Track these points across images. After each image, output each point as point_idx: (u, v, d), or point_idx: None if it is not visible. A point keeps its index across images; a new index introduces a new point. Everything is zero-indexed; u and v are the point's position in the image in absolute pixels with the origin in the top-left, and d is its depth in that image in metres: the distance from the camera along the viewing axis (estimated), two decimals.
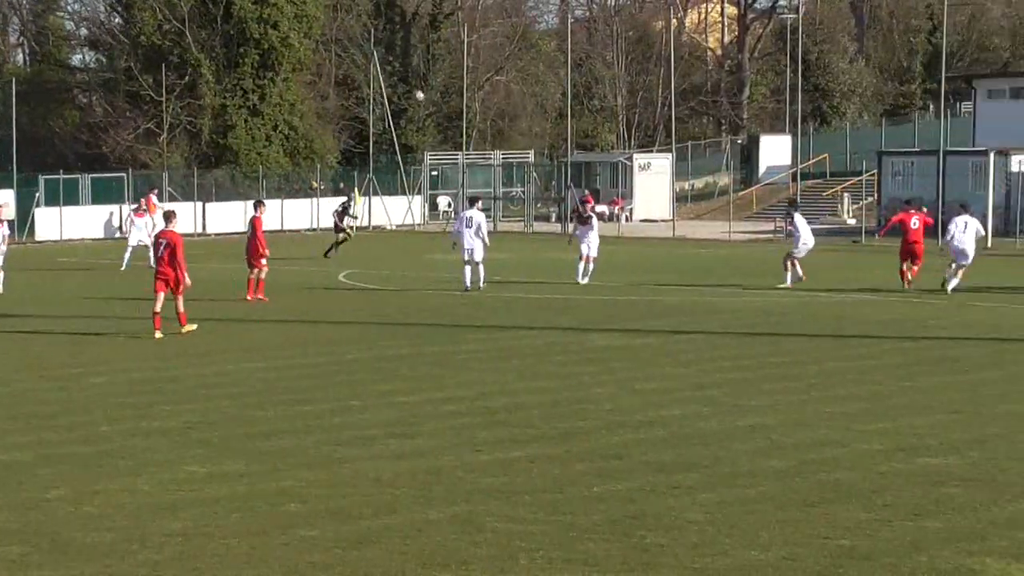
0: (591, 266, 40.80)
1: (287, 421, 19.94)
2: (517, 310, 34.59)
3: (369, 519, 14.56)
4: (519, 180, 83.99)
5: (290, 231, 71.47)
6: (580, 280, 40.35)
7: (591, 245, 41.06)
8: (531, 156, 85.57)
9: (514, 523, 14.31)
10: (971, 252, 37.69)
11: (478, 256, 38.50)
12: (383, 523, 14.38)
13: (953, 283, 37.25)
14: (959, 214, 38.40)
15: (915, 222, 38.64)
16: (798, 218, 41.49)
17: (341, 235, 53.74)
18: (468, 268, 38.71)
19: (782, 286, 39.21)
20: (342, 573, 12.76)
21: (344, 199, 58.05)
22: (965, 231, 37.72)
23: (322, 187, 76.24)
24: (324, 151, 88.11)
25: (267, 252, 36.98)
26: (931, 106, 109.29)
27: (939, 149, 65.17)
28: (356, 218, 60.13)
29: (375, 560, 13.10)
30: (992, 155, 60.61)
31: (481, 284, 38.59)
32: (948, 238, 37.92)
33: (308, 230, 73.14)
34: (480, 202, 41.37)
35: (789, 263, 40.09)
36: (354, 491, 15.78)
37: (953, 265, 37.68)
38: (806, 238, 40.42)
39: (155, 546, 13.62)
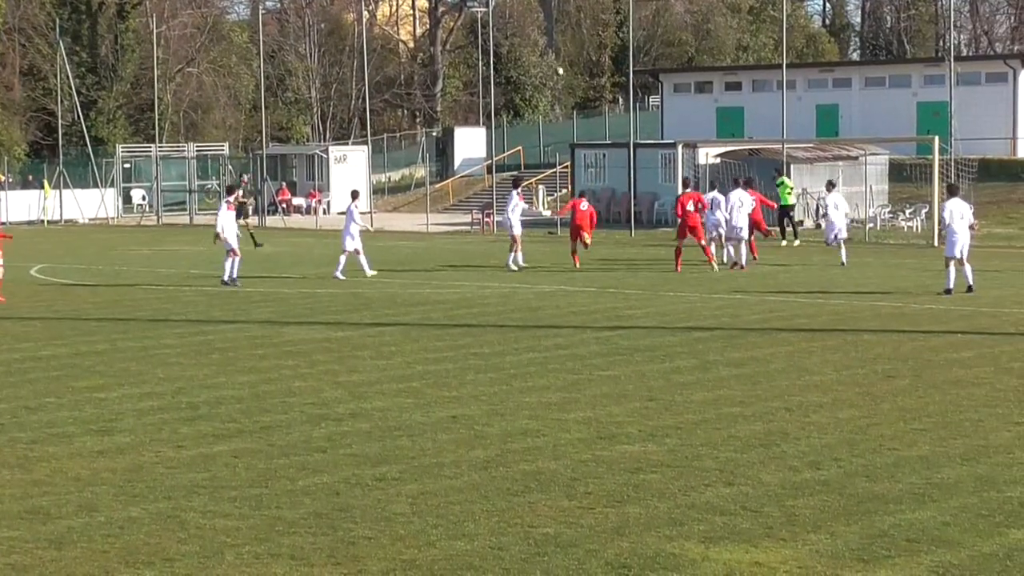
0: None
1: None
2: (216, 304, 34.20)
3: (69, 518, 14.23)
4: (214, 173, 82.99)
5: None
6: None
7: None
8: (226, 148, 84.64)
9: (219, 518, 14.15)
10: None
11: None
12: (84, 522, 14.07)
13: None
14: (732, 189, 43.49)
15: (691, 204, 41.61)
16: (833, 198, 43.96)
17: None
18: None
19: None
20: (42, 574, 12.44)
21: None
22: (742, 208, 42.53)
23: (10, 180, 74.14)
24: (11, 143, 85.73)
25: None
26: (621, 100, 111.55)
27: (629, 141, 66.51)
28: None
29: (77, 560, 12.81)
30: (680, 147, 62.11)
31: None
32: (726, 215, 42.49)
33: None
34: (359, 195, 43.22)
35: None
36: (52, 490, 15.40)
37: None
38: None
39: None
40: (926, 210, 58.80)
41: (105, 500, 14.93)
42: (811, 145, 67.87)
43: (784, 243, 49.68)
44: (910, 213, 61.36)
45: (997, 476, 15.64)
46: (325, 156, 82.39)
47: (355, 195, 41.92)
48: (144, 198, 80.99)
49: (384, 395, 21.17)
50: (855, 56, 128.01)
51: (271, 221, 71.33)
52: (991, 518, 13.91)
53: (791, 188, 50.88)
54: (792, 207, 50.94)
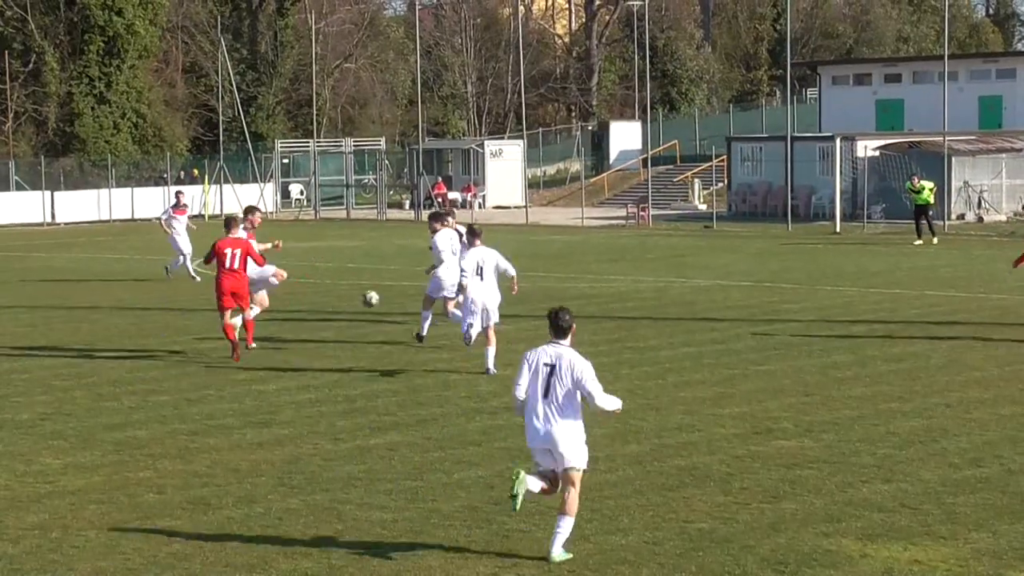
0: None
1: (142, 411, 19.72)
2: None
3: (229, 509, 14.44)
4: (371, 168, 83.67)
5: (141, 220, 70.53)
6: None
7: None
8: (383, 143, 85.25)
9: (375, 511, 14.28)
10: None
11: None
12: (243, 512, 14.28)
13: None
14: None
15: None
16: None
17: None
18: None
19: None
20: (203, 563, 12.65)
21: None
22: None
23: (193, 174, 75.57)
24: (173, 139, 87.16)
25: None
26: (778, 92, 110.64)
27: (786, 135, 65.94)
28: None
29: (236, 550, 12.99)
30: (838, 140, 61.43)
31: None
32: None
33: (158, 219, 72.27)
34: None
35: None
36: (212, 481, 15.64)
37: None
38: None
39: (11, 539, 13.40)
40: None
41: (264, 491, 15.12)
42: (973, 137, 66.79)
43: (918, 243, 48.82)
44: None
45: None
46: (481, 151, 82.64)
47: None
48: (302, 192, 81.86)
49: None
50: (1020, 46, 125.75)
51: (427, 215, 71.77)
52: None
53: (932, 188, 49.91)
54: (930, 206, 49.93)
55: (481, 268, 22.91)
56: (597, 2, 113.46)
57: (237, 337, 24.03)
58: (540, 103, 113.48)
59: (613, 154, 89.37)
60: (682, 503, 14.41)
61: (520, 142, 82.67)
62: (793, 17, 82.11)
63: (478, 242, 23.39)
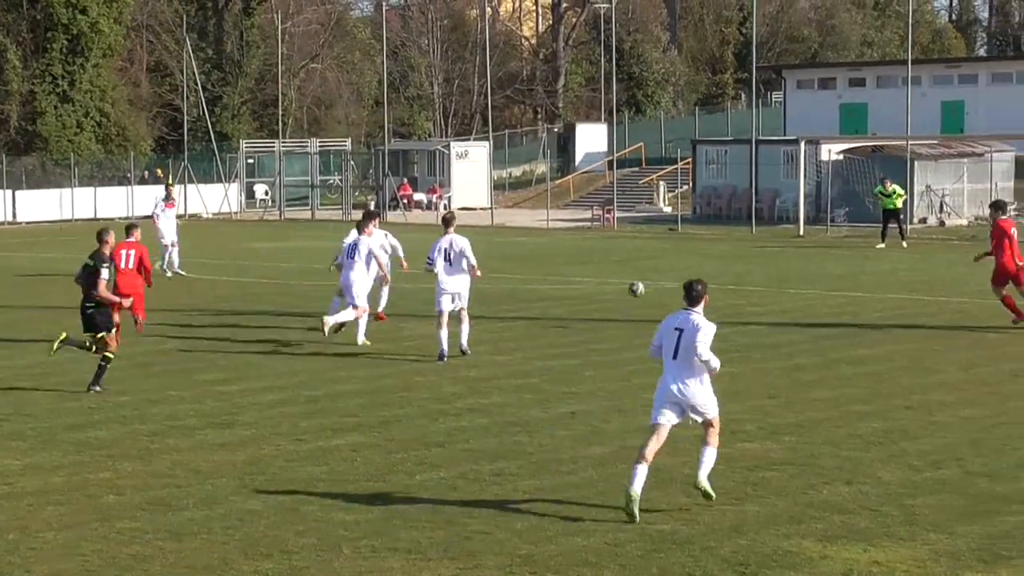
0: None
1: (103, 412, 19.65)
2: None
3: (190, 510, 14.40)
4: (336, 168, 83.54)
5: (104, 219, 70.27)
6: None
7: None
8: (348, 144, 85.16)
9: (337, 512, 14.25)
10: None
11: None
12: (204, 514, 14.23)
13: None
14: None
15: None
16: None
17: None
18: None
19: None
20: (163, 565, 12.60)
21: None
22: None
23: (159, 174, 75.31)
24: (137, 138, 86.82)
25: None
26: (743, 96, 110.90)
27: (751, 138, 66.11)
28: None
29: (197, 551, 12.96)
30: (803, 144, 61.59)
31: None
32: None
33: (122, 218, 72.03)
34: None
35: None
36: (173, 482, 15.59)
37: None
38: None
39: None
40: None
41: (225, 492, 15.08)
42: (935, 142, 67.06)
43: (880, 246, 48.90)
44: None
45: None
46: (447, 152, 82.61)
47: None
48: (267, 193, 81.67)
49: (503, 391, 21.20)
50: (982, 52, 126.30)
51: (392, 216, 71.64)
52: None
53: (901, 194, 50.03)
54: (898, 210, 50.06)
55: (450, 253, 24.02)
56: (564, 4, 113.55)
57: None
58: (506, 105, 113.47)
59: (579, 156, 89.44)
60: (644, 504, 14.41)
61: (486, 144, 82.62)
62: (759, 21, 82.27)
63: (450, 229, 24.60)
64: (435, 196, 78.25)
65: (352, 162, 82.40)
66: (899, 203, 49.62)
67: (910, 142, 61.25)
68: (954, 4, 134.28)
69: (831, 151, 64.31)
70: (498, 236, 56.14)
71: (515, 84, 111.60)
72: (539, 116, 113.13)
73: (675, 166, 75.98)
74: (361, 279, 25.55)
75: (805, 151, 60.96)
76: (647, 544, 13.07)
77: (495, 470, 15.99)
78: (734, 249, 50.02)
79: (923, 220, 59.05)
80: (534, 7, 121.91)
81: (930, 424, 18.36)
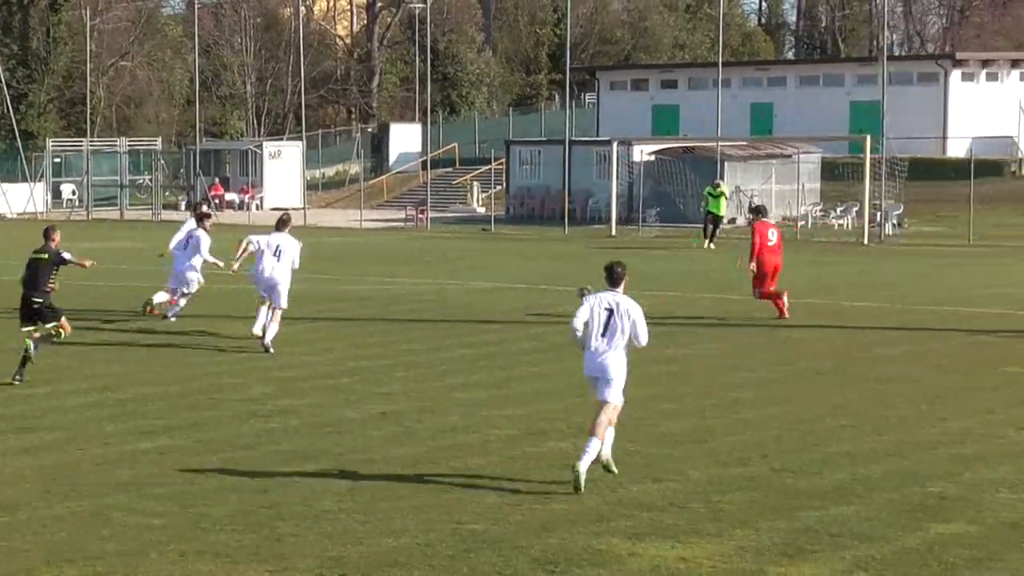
0: None
1: None
2: (142, 299, 33.89)
3: None
4: (146, 168, 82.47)
5: None
6: None
7: None
8: (159, 143, 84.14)
9: (144, 516, 14.06)
10: None
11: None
12: (5, 521, 13.95)
13: None
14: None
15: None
16: None
17: None
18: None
19: None
20: None
21: None
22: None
23: None
24: None
25: None
26: (557, 97, 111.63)
27: (565, 139, 66.59)
28: None
29: None
30: (615, 145, 62.20)
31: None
32: None
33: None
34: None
35: None
36: None
37: None
38: None
39: None
40: (856, 208, 59.15)
41: (28, 498, 14.79)
42: (745, 143, 68.16)
43: (710, 246, 49.64)
44: (841, 211, 61.74)
45: (920, 471, 15.76)
46: (259, 152, 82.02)
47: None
48: (74, 193, 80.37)
49: (314, 391, 21.11)
50: (790, 55, 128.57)
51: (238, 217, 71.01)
52: (914, 513, 14.02)
53: (726, 198, 50.86)
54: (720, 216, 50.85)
55: (280, 251, 25.13)
56: (379, 4, 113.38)
57: None
58: (320, 104, 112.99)
59: (393, 156, 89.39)
60: (455, 505, 14.45)
61: (299, 143, 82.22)
62: (573, 22, 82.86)
63: (285, 230, 25.72)
64: (247, 196, 77.63)
65: (162, 162, 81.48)
66: (723, 206, 50.21)
67: (720, 143, 62.23)
68: (763, 8, 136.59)
69: (643, 152, 65.10)
70: (311, 236, 55.73)
71: (329, 84, 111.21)
72: (353, 116, 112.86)
73: (489, 166, 76.26)
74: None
75: (618, 152, 61.59)
76: (458, 544, 13.10)
77: (305, 471, 15.90)
78: (546, 249, 50.36)
79: (732, 220, 59.97)
80: (348, 6, 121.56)
81: (736, 422, 18.65)
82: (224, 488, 15.19)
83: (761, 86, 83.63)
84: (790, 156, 64.40)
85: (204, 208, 31.07)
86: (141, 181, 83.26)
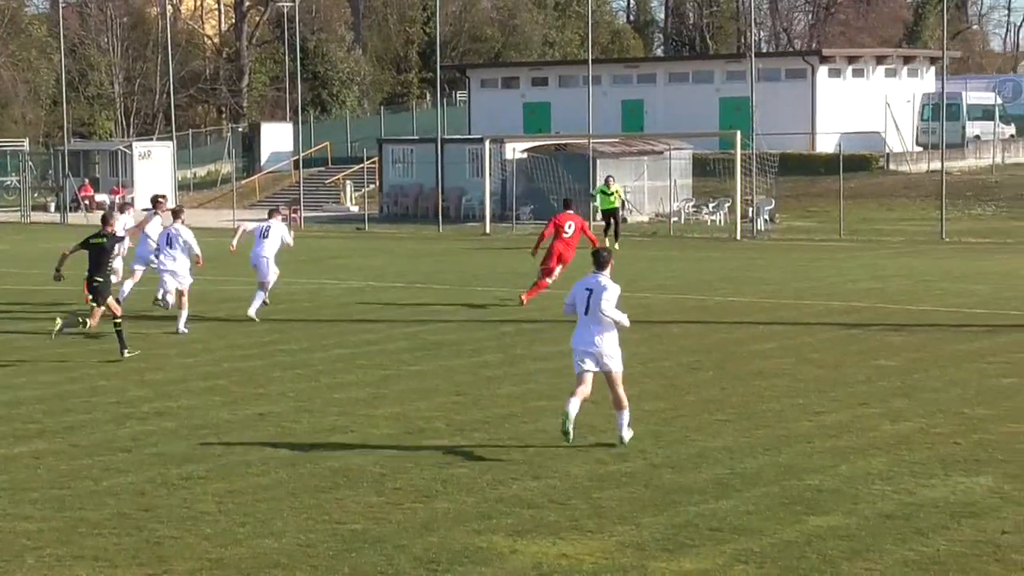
0: None
1: None
2: (18, 301, 33.52)
3: None
4: (13, 169, 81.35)
5: None
6: None
7: None
8: (26, 144, 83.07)
9: (19, 521, 13.88)
10: None
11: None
12: None
13: None
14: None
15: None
16: None
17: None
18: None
19: None
20: None
21: None
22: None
23: None
24: None
25: None
26: (428, 95, 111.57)
27: (437, 137, 66.62)
28: None
29: None
30: (487, 143, 62.31)
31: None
32: None
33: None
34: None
35: None
36: None
37: None
38: None
39: None
40: (729, 204, 59.73)
41: None
42: (617, 140, 68.55)
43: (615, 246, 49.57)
44: (713, 207, 62.30)
45: (797, 465, 15.94)
46: (129, 152, 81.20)
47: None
48: None
49: (191, 393, 20.95)
50: (659, 52, 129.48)
51: (73, 218, 70.13)
52: (791, 506, 14.19)
53: (617, 191, 50.78)
54: (616, 210, 50.60)
55: (173, 239, 28.34)
56: (247, 3, 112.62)
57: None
58: (190, 104, 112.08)
59: (264, 156, 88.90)
60: (335, 504, 14.41)
61: (170, 143, 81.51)
62: (442, 21, 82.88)
63: (179, 220, 28.74)
64: (118, 197, 76.76)
65: (30, 163, 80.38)
66: (616, 203, 50.06)
67: (592, 140, 62.50)
68: (632, 5, 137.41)
69: (515, 150, 65.26)
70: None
71: (198, 83, 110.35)
72: (223, 115, 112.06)
73: (362, 165, 76.09)
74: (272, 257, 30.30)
75: (490, 150, 61.71)
76: (339, 544, 13.06)
77: (183, 474, 15.78)
78: (421, 248, 50.34)
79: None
80: (216, 5, 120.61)
81: (613, 418, 18.70)
82: (101, 492, 15.04)
83: (631, 83, 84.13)
84: (661, 153, 64.86)
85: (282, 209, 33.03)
86: (8, 182, 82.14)
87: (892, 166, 73.19)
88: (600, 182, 59.58)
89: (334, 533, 13.43)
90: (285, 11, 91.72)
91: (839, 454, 16.45)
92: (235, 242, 32.58)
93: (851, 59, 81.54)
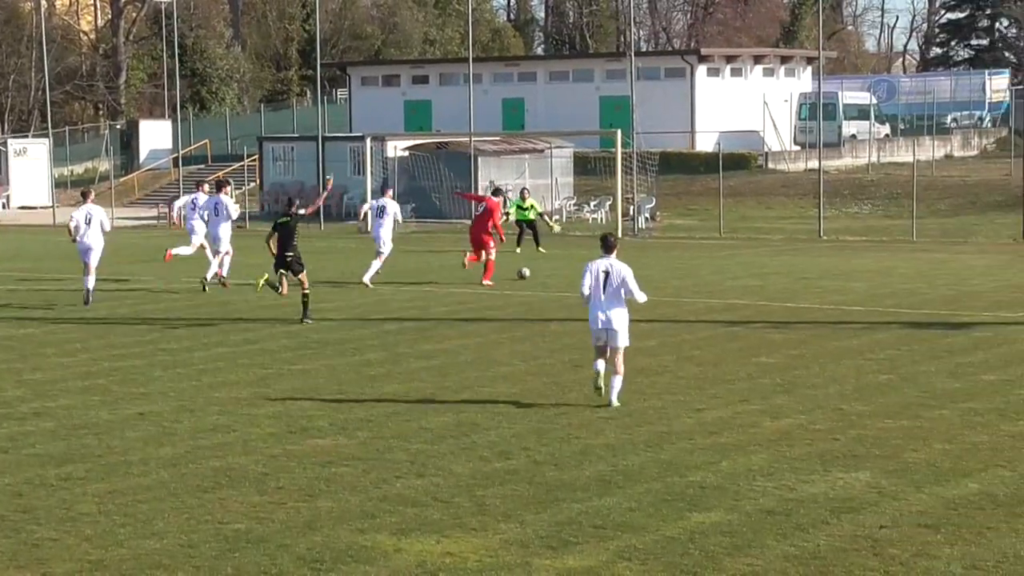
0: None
1: None
2: None
3: None
4: None
5: None
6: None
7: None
8: None
9: None
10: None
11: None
12: None
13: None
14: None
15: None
16: None
17: None
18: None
19: None
20: None
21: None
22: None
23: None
24: None
25: None
26: (308, 92, 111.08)
27: (318, 135, 66.36)
28: None
29: None
30: (368, 141, 62.17)
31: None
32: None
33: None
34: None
35: None
36: None
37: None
38: None
39: None
40: (609, 202, 60.00)
41: None
42: (498, 138, 68.66)
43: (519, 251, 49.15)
44: (595, 205, 62.58)
45: (680, 461, 16.06)
46: (4, 149, 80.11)
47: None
48: None
49: (69, 393, 20.72)
50: (540, 51, 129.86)
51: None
52: (674, 503, 14.29)
53: (533, 204, 50.17)
54: (533, 221, 49.85)
55: (90, 218, 32.17)
56: None
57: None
58: (67, 101, 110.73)
59: (143, 153, 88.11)
60: (218, 504, 14.32)
61: (46, 140, 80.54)
62: (322, 18, 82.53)
63: (89, 200, 32.64)
64: None
65: None
66: (532, 215, 49.05)
67: (473, 139, 62.55)
68: (512, 4, 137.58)
69: (397, 148, 65.18)
70: (60, 236, 54.67)
71: (75, 79, 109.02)
72: (101, 112, 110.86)
73: (242, 163, 75.58)
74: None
75: (371, 148, 61.56)
76: (222, 544, 12.98)
77: (62, 474, 15.61)
78: (303, 246, 49.92)
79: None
80: (92, 1, 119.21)
81: (497, 416, 18.79)
82: None
83: (512, 82, 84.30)
84: (542, 151, 65.05)
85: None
86: None
87: (771, 165, 73.95)
88: (484, 180, 59.75)
89: (217, 533, 13.34)
90: (163, 7, 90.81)
91: (720, 451, 16.59)
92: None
93: (729, 59, 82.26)
